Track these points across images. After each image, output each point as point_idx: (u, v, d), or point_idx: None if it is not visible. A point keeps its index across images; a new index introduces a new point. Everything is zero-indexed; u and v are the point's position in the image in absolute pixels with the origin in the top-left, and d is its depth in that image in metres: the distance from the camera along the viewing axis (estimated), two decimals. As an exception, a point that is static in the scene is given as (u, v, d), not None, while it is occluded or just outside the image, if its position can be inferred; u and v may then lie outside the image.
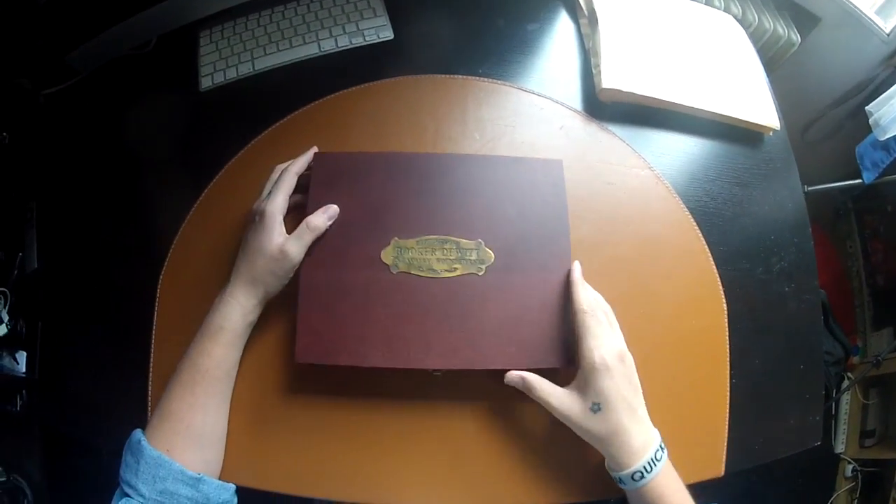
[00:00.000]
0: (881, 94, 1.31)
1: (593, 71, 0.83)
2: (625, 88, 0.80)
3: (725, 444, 0.71)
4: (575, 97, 0.84)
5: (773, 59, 1.24)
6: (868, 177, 1.39)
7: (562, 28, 0.91)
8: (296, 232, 0.65)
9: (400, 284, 0.65)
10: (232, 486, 0.62)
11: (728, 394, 0.73)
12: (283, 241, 0.64)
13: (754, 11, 1.15)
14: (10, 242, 0.86)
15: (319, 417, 0.68)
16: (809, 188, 0.81)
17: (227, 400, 0.65)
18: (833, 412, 1.72)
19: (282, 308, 0.69)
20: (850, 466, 1.66)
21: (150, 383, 0.70)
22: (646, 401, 0.65)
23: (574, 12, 0.92)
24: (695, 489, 0.65)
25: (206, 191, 0.78)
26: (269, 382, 0.69)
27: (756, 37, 1.16)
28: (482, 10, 0.90)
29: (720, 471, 0.71)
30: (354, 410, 0.68)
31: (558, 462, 0.67)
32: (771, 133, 0.85)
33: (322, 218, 0.66)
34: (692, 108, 0.82)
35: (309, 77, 0.83)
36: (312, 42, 0.85)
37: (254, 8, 0.88)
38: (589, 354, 0.59)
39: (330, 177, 0.69)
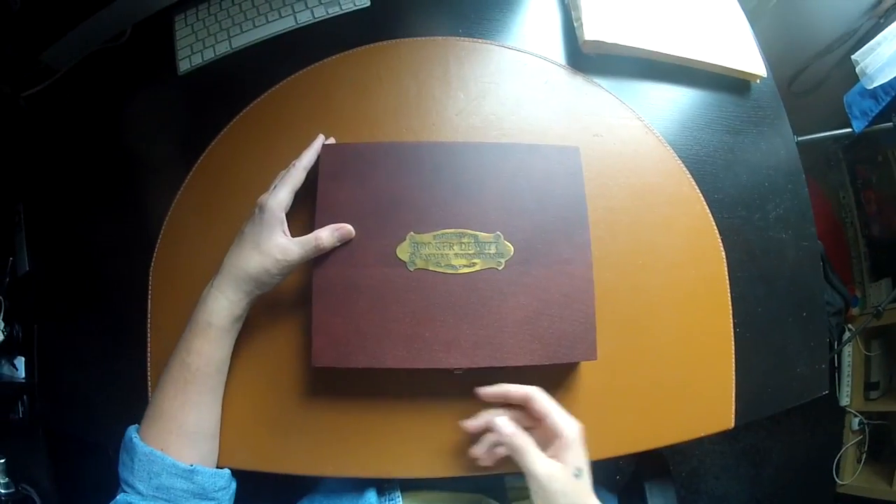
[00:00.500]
0: (866, 43, 1.30)
1: (575, 24, 0.82)
2: (608, 40, 0.78)
3: (734, 395, 0.71)
4: (558, 51, 0.82)
5: (757, 9, 1.23)
6: (858, 125, 1.38)
7: (540, -17, 0.89)
8: (303, 238, 0.62)
9: (417, 282, 0.63)
10: (226, 472, 0.62)
11: (733, 344, 0.73)
12: (284, 242, 0.61)
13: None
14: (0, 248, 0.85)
15: (333, 407, 0.67)
16: (799, 139, 0.80)
17: (219, 395, 0.64)
18: (836, 364, 1.72)
19: (296, 304, 0.68)
20: (857, 419, 1.67)
21: (148, 376, 0.69)
22: (652, 356, 0.65)
23: (552, -34, 0.90)
24: (703, 447, 0.65)
25: (189, 175, 0.76)
26: (283, 375, 0.68)
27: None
28: (458, -30, 0.88)
29: (730, 423, 0.71)
30: (369, 399, 0.67)
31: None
32: (758, 81, 0.84)
33: (332, 237, 0.62)
34: (678, 57, 0.81)
35: (288, 51, 0.82)
36: (289, 15, 0.83)
37: (226, -14, 0.86)
38: (566, 425, 0.57)
39: (338, 169, 0.66)
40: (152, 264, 0.73)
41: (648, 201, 0.75)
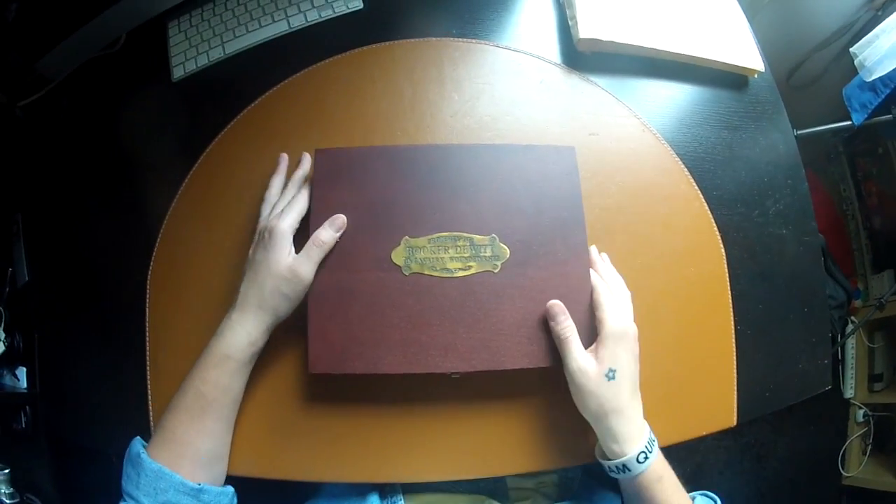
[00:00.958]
0: (864, 35, 1.30)
1: (569, 22, 0.81)
2: (603, 38, 0.78)
3: (735, 393, 0.71)
4: (553, 50, 0.82)
5: (754, 3, 1.22)
6: (857, 118, 1.38)
7: (533, -19, 0.89)
8: (304, 250, 0.61)
9: (413, 286, 0.63)
10: (230, 490, 0.61)
11: (734, 341, 0.72)
12: (292, 261, 0.60)
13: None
14: (-1, 259, 0.85)
15: (332, 412, 0.67)
16: (799, 132, 0.80)
17: (232, 421, 0.63)
18: (840, 357, 1.72)
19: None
20: (862, 412, 1.66)
21: (147, 382, 0.69)
22: (653, 355, 0.65)
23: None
24: (706, 443, 0.64)
25: (185, 182, 0.76)
26: (283, 380, 0.67)
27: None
28: (451, -30, 0.88)
29: (732, 421, 0.70)
30: (368, 404, 0.67)
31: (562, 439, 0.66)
32: (756, 76, 0.83)
33: (330, 232, 0.62)
34: (674, 53, 0.80)
35: (281, 55, 0.82)
36: (282, 20, 0.83)
37: (219, -9, 0.86)
38: (607, 320, 0.59)
39: (333, 174, 0.66)
40: (150, 272, 0.72)
41: (646, 200, 0.74)
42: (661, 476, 0.59)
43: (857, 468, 1.64)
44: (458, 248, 0.64)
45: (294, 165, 0.70)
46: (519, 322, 0.62)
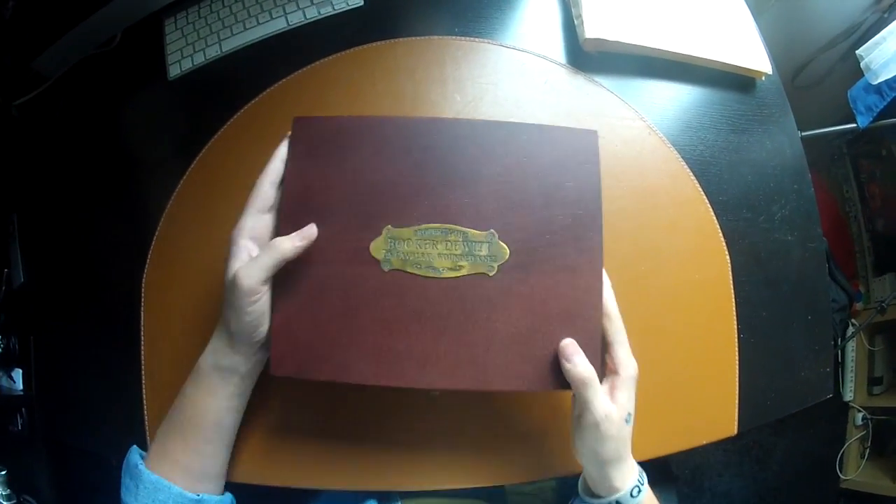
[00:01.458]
0: (870, 37, 1.29)
1: (575, 22, 0.80)
2: (610, 37, 0.76)
3: (737, 401, 0.70)
4: (558, 50, 0.80)
5: (760, 4, 1.20)
6: (863, 121, 1.36)
7: (538, -21, 0.87)
8: (263, 253, 0.53)
9: (392, 285, 0.55)
10: (229, 498, 0.60)
11: (737, 349, 0.71)
12: (238, 267, 0.53)
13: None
14: (-5, 260, 0.85)
15: (329, 417, 0.66)
16: (803, 133, 0.79)
17: (225, 444, 0.59)
18: (840, 360, 1.71)
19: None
20: (861, 415, 1.66)
21: (143, 384, 0.68)
22: (654, 362, 0.64)
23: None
24: (705, 445, 0.64)
25: (181, 182, 0.75)
26: (278, 384, 0.64)
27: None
28: (454, -34, 0.86)
29: (733, 429, 0.70)
30: (365, 410, 0.66)
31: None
32: (763, 78, 0.82)
33: (293, 242, 0.53)
34: (681, 54, 0.79)
35: (280, 53, 0.80)
36: (280, 17, 0.82)
37: (216, -12, 0.85)
38: (626, 360, 0.54)
39: (312, 147, 0.57)
40: (145, 273, 0.72)
41: (651, 204, 0.73)
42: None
43: (856, 471, 1.64)
44: (449, 244, 0.55)
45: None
46: (514, 337, 0.54)
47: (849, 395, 1.70)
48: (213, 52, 0.81)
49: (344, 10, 0.81)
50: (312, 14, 0.81)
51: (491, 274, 0.55)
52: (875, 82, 1.27)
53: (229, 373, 0.56)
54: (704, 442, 0.69)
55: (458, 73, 0.77)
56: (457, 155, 0.57)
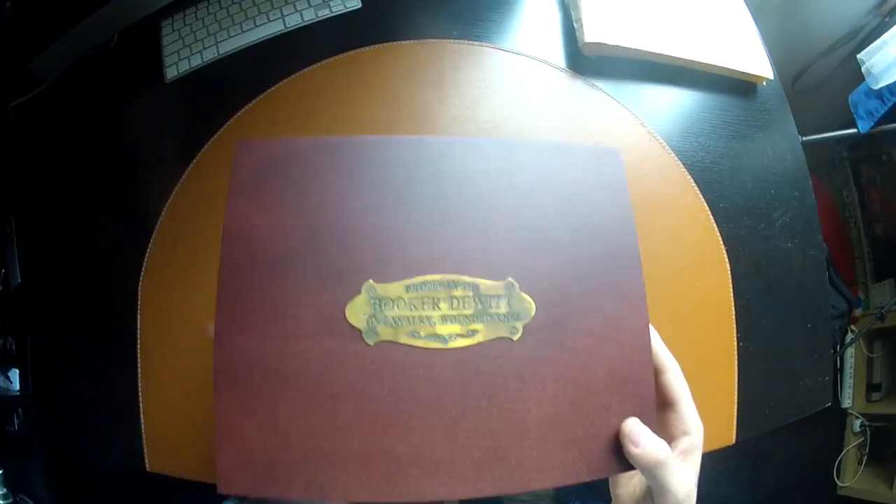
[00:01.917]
0: (871, 42, 1.28)
1: (574, 25, 0.79)
2: (610, 41, 0.75)
3: (736, 409, 0.70)
4: (557, 54, 0.80)
5: (761, 8, 1.20)
6: (863, 126, 1.36)
7: (537, -18, 0.87)
8: None
9: (382, 364, 0.40)
10: None
11: (736, 357, 0.71)
12: None
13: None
14: (-9, 261, 0.85)
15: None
16: (803, 138, 0.79)
17: None
18: (838, 366, 1.71)
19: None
20: (859, 421, 1.65)
21: (139, 385, 0.67)
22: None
23: (550, -35, 0.87)
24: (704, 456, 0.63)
25: (178, 184, 0.74)
26: None
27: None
28: (453, -31, 0.86)
29: (731, 438, 0.70)
30: None
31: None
32: (764, 83, 0.81)
33: None
34: (681, 59, 0.78)
35: (277, 55, 0.80)
36: (277, 19, 0.81)
37: (214, -10, 0.85)
38: (697, 419, 0.45)
39: (259, 179, 0.43)
40: (142, 274, 0.71)
41: (652, 210, 0.72)
42: None
43: (853, 478, 1.63)
44: (455, 302, 0.41)
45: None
46: (553, 418, 0.41)
47: (847, 402, 1.70)
48: (211, 55, 0.80)
49: (341, 12, 0.81)
50: (310, 16, 0.81)
51: (515, 338, 0.41)
52: (876, 87, 1.27)
53: None
54: (703, 450, 0.68)
55: (456, 77, 0.76)
56: (456, 183, 0.44)
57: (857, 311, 1.71)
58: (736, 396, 0.69)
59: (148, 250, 0.72)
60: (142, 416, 0.66)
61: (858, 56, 1.29)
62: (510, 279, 0.42)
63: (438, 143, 0.45)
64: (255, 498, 0.47)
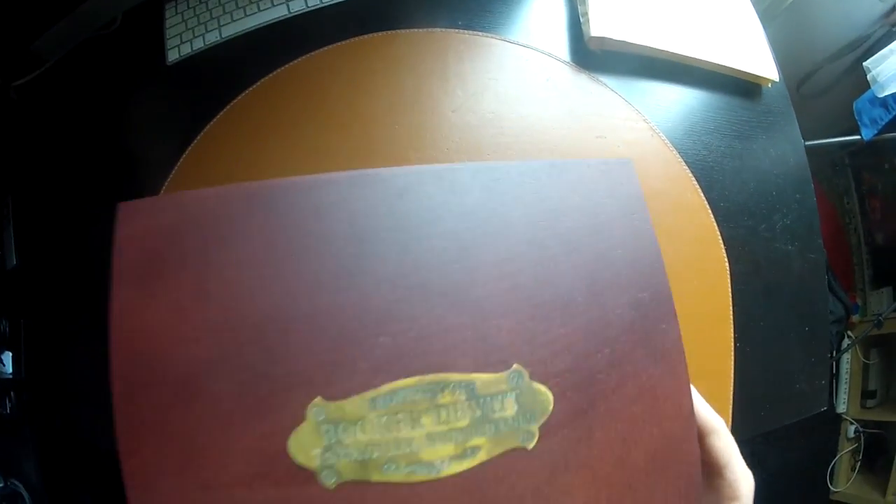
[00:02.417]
0: (878, 50, 1.28)
1: (581, 19, 0.78)
2: (615, 37, 0.75)
3: (731, 411, 0.69)
4: (562, 47, 0.79)
5: (769, 11, 1.20)
6: (867, 133, 1.36)
7: (546, -25, 0.86)
8: None
9: None
10: None
11: (733, 359, 0.70)
12: None
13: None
14: (-13, 241, 0.84)
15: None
16: (806, 143, 0.79)
17: None
18: (834, 372, 1.71)
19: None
20: (853, 427, 1.65)
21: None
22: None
23: (558, -42, 0.87)
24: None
25: (175, 168, 0.74)
26: None
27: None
28: (461, -41, 0.85)
29: None
30: None
31: None
32: (769, 85, 0.81)
33: None
34: (687, 57, 0.78)
35: (279, 41, 0.79)
36: (281, 4, 0.81)
37: (219, -28, 0.85)
38: (747, 474, 0.38)
39: (151, 257, 0.32)
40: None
41: (652, 208, 0.70)
42: None
43: (846, 484, 1.63)
44: (443, 413, 0.29)
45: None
46: None
47: (842, 407, 1.70)
48: (213, 38, 0.80)
49: (346, -1, 0.80)
50: (314, 2, 0.80)
51: (530, 446, 0.30)
52: (881, 95, 1.27)
53: None
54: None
55: (460, 67, 0.76)
56: (427, 233, 0.31)
57: (855, 318, 1.71)
58: (731, 397, 0.69)
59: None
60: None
61: (865, 64, 1.29)
62: (516, 366, 0.30)
63: (399, 175, 0.32)
64: None
